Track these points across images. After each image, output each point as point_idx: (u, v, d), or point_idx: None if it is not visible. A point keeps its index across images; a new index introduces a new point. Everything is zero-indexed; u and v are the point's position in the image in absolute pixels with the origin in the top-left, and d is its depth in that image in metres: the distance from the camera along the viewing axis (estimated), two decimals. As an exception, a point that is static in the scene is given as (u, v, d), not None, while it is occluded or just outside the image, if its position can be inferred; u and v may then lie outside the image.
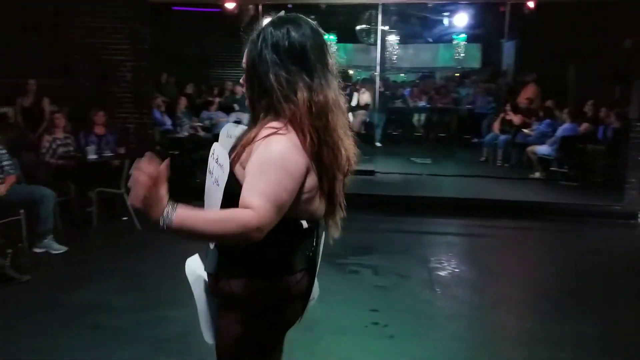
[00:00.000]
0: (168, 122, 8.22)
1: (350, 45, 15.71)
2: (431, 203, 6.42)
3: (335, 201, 1.41)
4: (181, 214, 1.18)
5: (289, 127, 1.29)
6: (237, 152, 1.33)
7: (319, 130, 1.30)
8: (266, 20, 1.40)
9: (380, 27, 10.05)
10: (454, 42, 14.51)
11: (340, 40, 15.56)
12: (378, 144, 10.82)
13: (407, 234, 5.60)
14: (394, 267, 4.46)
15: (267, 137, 1.27)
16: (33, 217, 4.58)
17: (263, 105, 1.35)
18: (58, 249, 4.61)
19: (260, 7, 9.52)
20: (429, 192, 6.85)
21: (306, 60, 1.33)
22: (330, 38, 15.37)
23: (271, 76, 1.31)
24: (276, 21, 1.37)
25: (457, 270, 4.51)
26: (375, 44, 11.21)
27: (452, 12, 11.84)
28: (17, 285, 3.84)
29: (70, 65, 7.15)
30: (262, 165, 1.25)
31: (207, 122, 8.79)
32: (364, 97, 9.51)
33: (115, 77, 7.33)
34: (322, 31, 1.40)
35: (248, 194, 1.22)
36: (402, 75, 17.00)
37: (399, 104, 12.24)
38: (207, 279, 1.47)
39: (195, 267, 1.52)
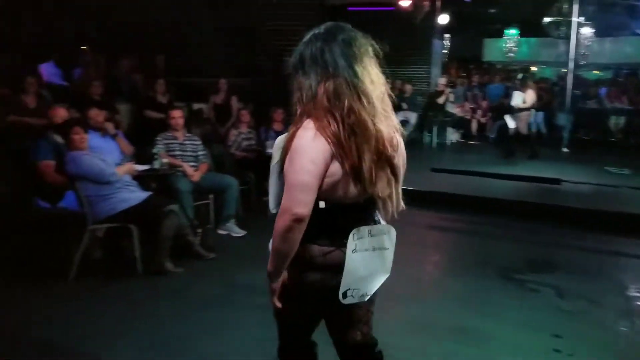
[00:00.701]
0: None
1: (533, 40, 14.41)
2: (631, 221, 5.46)
3: (361, 177, 1.53)
4: (269, 269, 1.64)
5: (307, 121, 1.53)
6: (284, 147, 1.59)
7: (335, 113, 1.51)
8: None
9: (575, 19, 8.92)
10: (668, 32, 12.34)
11: (523, 34, 14.38)
12: (565, 150, 9.79)
13: (599, 253, 4.84)
14: (582, 290, 3.88)
15: (294, 139, 1.54)
16: (219, 202, 5.04)
17: (294, 107, 1.64)
18: (238, 232, 5.01)
19: (438, 3, 9.23)
20: (628, 207, 5.85)
21: (323, 61, 1.56)
22: (510, 33, 14.36)
23: (295, 83, 1.63)
24: (306, 39, 1.64)
25: (665, 303, 3.75)
26: (566, 37, 10.07)
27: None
28: (204, 261, 4.26)
29: (257, 66, 7.79)
30: (290, 160, 1.52)
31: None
32: (528, 97, 8.54)
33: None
34: (353, 32, 1.61)
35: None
36: (597, 72, 15.00)
37: (591, 104, 10.84)
38: None
39: None
